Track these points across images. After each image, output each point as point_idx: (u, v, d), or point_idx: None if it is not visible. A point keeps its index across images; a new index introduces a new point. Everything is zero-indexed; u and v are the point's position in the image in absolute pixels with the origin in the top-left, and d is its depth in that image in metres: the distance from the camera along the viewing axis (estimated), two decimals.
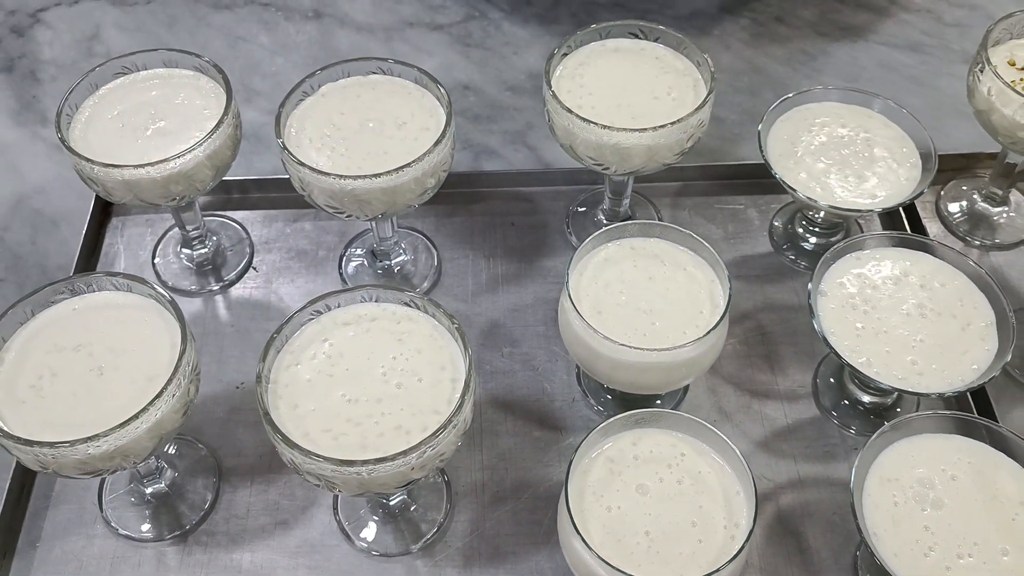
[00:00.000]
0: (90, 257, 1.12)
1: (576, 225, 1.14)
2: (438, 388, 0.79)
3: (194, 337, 0.84)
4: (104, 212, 1.16)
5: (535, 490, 0.95)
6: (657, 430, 0.84)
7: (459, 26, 1.40)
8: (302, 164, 0.91)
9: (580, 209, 1.16)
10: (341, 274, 1.10)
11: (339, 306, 0.84)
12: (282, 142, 0.93)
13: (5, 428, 0.75)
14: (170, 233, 1.14)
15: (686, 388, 1.02)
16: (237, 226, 1.15)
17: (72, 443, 0.74)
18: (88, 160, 0.91)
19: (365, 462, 0.72)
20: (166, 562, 0.91)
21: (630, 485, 0.81)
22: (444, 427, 0.74)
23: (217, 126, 0.94)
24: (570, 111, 0.95)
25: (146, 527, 0.93)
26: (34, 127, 1.27)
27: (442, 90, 0.97)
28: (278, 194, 1.16)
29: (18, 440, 0.74)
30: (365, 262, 1.11)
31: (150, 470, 0.93)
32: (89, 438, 0.74)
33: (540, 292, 1.09)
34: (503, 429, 0.99)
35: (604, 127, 0.94)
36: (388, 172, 0.89)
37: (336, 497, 0.94)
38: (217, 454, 0.98)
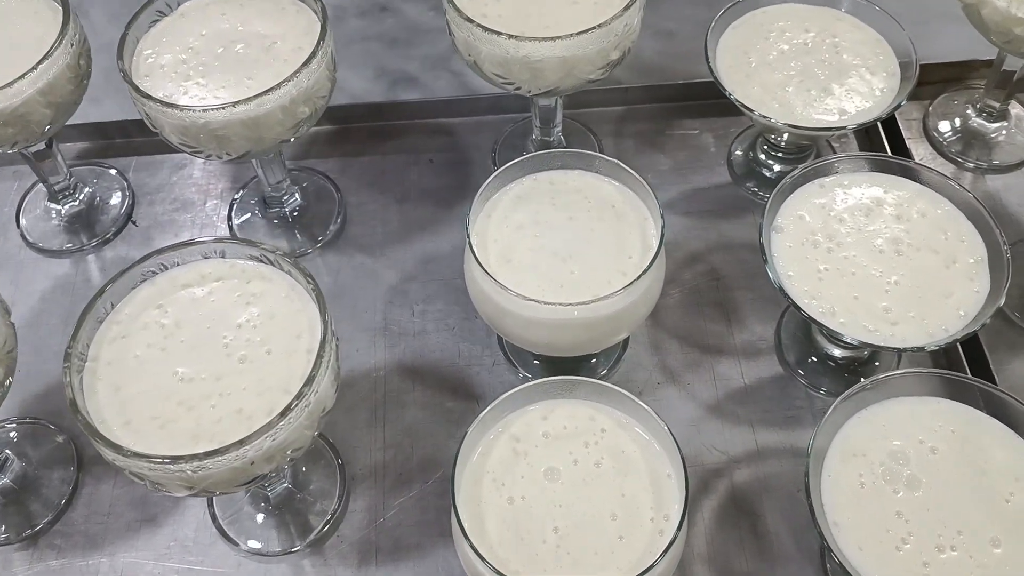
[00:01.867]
0: None
1: (502, 160, 0.98)
2: (292, 361, 0.64)
3: (7, 308, 0.70)
4: None
5: (445, 471, 0.81)
6: (572, 401, 0.70)
7: None
8: (147, 97, 0.76)
9: (508, 141, 1.00)
10: (230, 226, 0.96)
11: (178, 264, 0.69)
12: (124, 69, 0.78)
13: None
14: (37, 187, 0.99)
15: (624, 344, 0.87)
16: (115, 175, 1.00)
17: None
18: None
19: (191, 457, 0.58)
20: (11, 569, 0.78)
21: (537, 469, 0.67)
22: (289, 409, 0.60)
23: (48, 54, 0.78)
24: (470, 20, 0.79)
25: None
26: None
27: (318, 2, 0.81)
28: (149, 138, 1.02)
29: None
30: (257, 211, 0.96)
31: None
32: None
33: (459, 239, 0.94)
34: (410, 399, 0.84)
35: (509, 37, 0.78)
36: (246, 100, 0.74)
37: None
38: (77, 442, 0.84)
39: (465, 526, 0.62)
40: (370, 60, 1.08)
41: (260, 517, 0.79)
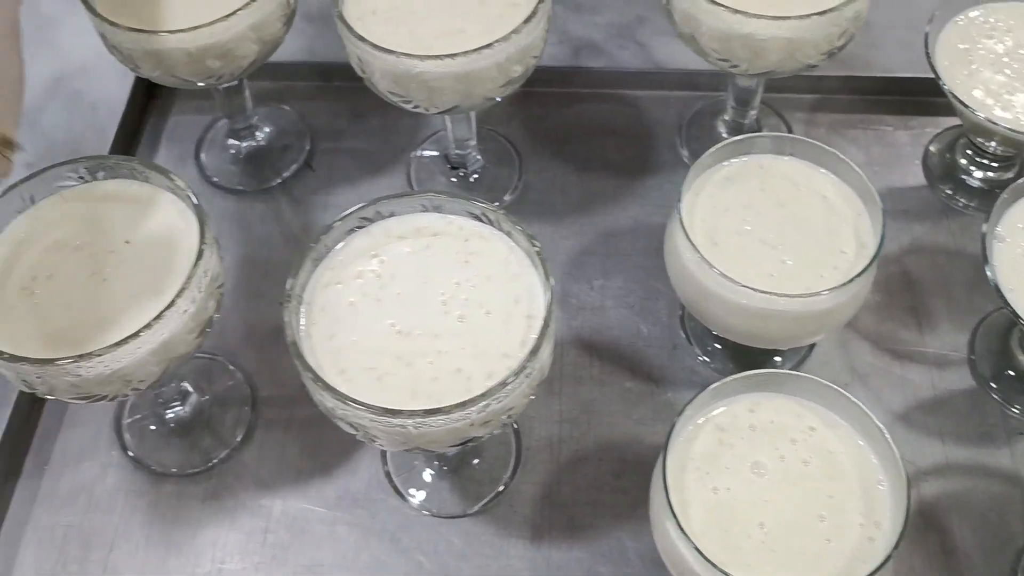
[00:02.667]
0: (128, 146, 0.98)
1: (690, 137, 0.96)
2: (510, 325, 0.63)
3: (219, 243, 0.69)
4: (147, 96, 1.02)
5: (622, 452, 0.79)
6: (780, 396, 0.67)
7: None
8: (362, 39, 0.74)
9: (696, 119, 0.97)
10: (409, 180, 0.94)
11: (393, 215, 0.68)
12: (339, 11, 0.77)
13: None
14: (220, 123, 0.99)
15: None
16: (295, 118, 0.99)
17: (57, 362, 0.60)
18: (111, 23, 0.76)
19: (413, 413, 0.57)
20: (186, 503, 0.78)
21: (743, 462, 0.65)
22: (515, 375, 0.58)
23: None
24: None
25: (166, 460, 0.80)
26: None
27: None
28: (343, 83, 1.00)
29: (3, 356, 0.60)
30: (437, 168, 0.95)
31: (171, 395, 0.80)
32: (78, 357, 0.60)
33: (641, 215, 0.91)
34: (587, 375, 0.83)
35: (736, 12, 0.75)
36: (465, 53, 0.72)
37: None
38: (252, 381, 0.84)
39: (675, 507, 0.60)
40: (554, 24, 1.05)
41: (433, 478, 0.78)
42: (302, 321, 0.63)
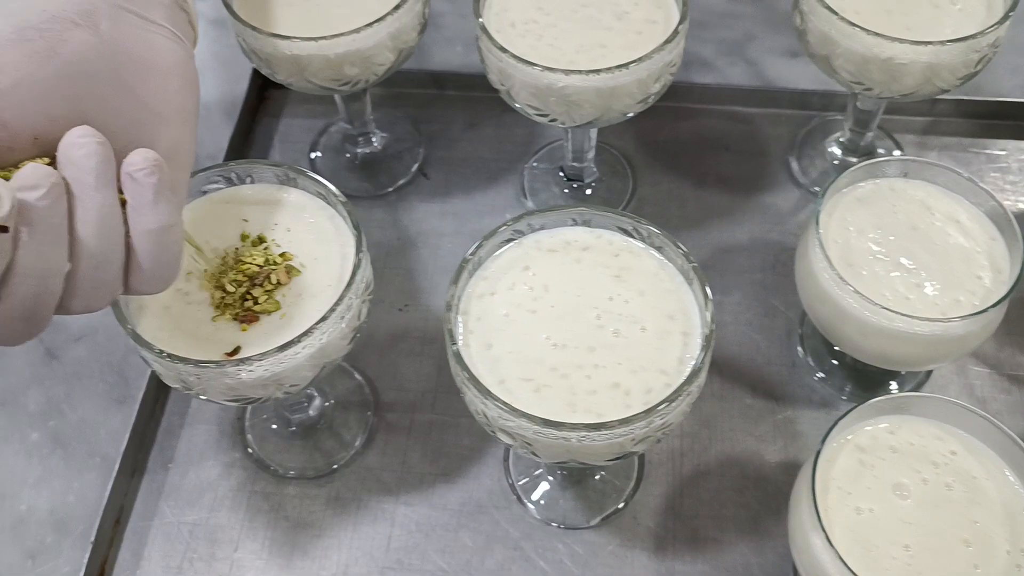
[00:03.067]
0: (241, 147, 0.99)
1: (803, 156, 0.96)
2: (665, 341, 0.63)
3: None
4: (259, 98, 1.03)
5: (744, 468, 0.79)
6: (919, 418, 0.67)
7: None
8: (504, 51, 0.75)
9: (808, 138, 0.98)
10: (523, 189, 0.95)
11: (544, 227, 0.68)
12: (481, 22, 0.77)
13: (148, 340, 0.62)
14: (333, 128, 1.00)
15: None
16: (409, 124, 1.00)
17: (221, 365, 0.61)
18: (254, 28, 0.77)
19: (576, 426, 0.58)
20: (309, 505, 0.79)
21: (884, 483, 0.65)
22: (678, 393, 0.59)
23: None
24: (832, 11, 0.77)
25: (290, 462, 0.81)
26: None
27: None
28: (456, 92, 1.01)
29: (161, 355, 0.61)
30: (551, 179, 0.95)
31: (298, 398, 0.81)
32: (240, 361, 0.61)
33: (758, 232, 0.92)
34: (708, 391, 0.83)
35: (877, 35, 0.75)
36: (609, 69, 0.73)
37: (508, 450, 0.81)
38: (374, 385, 0.84)
39: (827, 529, 0.60)
40: None
41: (556, 488, 0.79)
42: (459, 330, 0.64)
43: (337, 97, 0.91)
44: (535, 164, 0.97)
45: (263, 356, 0.61)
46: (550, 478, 0.79)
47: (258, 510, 0.79)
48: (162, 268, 0.54)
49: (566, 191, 0.95)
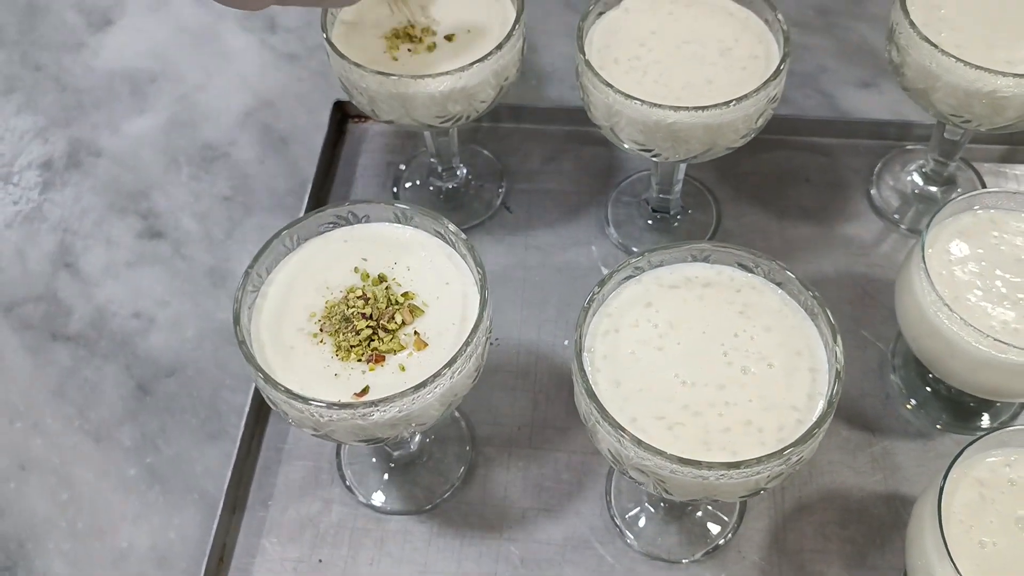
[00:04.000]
0: (323, 182, 0.99)
1: (883, 186, 0.97)
2: (794, 378, 0.64)
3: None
4: (339, 131, 1.03)
5: (846, 501, 0.79)
6: None
7: None
8: (609, 86, 0.76)
9: (887, 168, 0.98)
10: (607, 220, 0.96)
11: (663, 264, 0.69)
12: (585, 58, 0.78)
13: (278, 380, 0.63)
14: (414, 162, 1.01)
15: None
16: (490, 158, 1.01)
17: (354, 406, 0.61)
18: (358, 66, 0.78)
19: (713, 465, 0.58)
20: (413, 542, 0.79)
21: (1007, 517, 0.65)
22: (812, 433, 0.59)
23: (508, 37, 0.79)
24: (934, 45, 0.78)
25: (390, 497, 0.81)
26: (262, 34, 1.14)
27: (778, 16, 0.80)
28: (533, 125, 1.02)
29: (294, 396, 0.61)
30: (636, 211, 0.96)
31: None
32: (372, 403, 0.61)
33: (842, 264, 0.92)
34: None
35: (980, 68, 0.76)
36: (718, 105, 0.74)
37: (609, 483, 0.81)
38: (469, 420, 0.85)
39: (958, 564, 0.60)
40: None
41: (657, 521, 0.79)
42: (587, 368, 0.64)
43: (427, 132, 0.91)
44: (618, 196, 0.97)
45: (398, 397, 0.61)
46: (652, 511, 0.79)
47: (360, 546, 0.79)
48: None
49: (650, 222, 0.95)
